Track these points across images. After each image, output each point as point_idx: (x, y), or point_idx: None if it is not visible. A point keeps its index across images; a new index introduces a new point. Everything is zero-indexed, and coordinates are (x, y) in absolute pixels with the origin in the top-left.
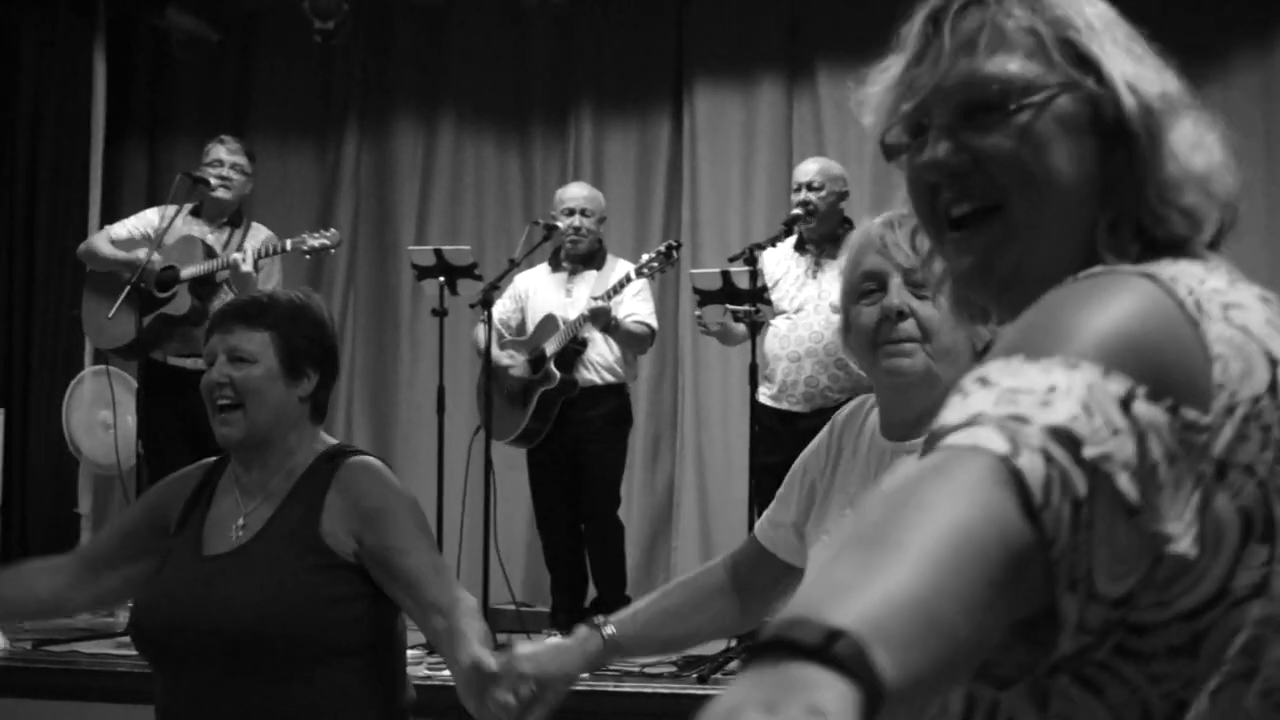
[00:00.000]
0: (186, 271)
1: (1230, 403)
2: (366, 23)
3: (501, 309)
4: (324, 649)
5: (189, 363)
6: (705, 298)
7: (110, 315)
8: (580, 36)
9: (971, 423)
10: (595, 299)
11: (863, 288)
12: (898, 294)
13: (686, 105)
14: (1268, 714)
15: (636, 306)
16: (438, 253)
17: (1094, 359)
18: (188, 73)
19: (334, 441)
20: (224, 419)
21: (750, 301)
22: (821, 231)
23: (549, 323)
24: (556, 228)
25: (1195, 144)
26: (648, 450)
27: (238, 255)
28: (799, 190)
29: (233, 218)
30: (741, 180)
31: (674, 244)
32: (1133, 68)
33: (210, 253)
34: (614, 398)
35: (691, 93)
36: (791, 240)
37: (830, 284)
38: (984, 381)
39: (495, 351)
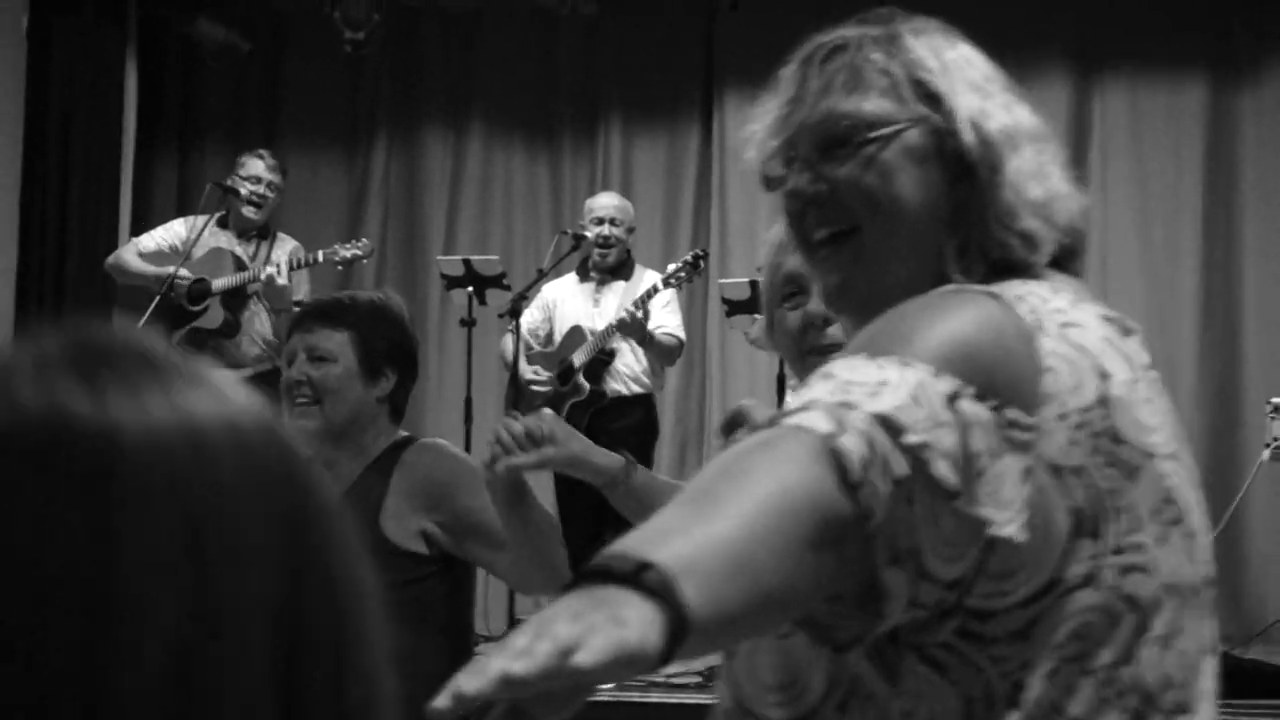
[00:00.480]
0: (218, 284)
1: (1061, 411)
2: (396, 32)
3: (529, 319)
4: None
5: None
6: (734, 307)
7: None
8: (609, 45)
9: (805, 408)
10: (627, 310)
11: (784, 290)
12: (815, 300)
13: (716, 113)
14: (1099, 694)
15: (665, 318)
16: (466, 263)
17: (927, 360)
18: (218, 82)
19: (405, 434)
20: (301, 411)
21: None
22: None
23: (576, 334)
24: (585, 237)
25: (1033, 174)
26: (674, 460)
27: (272, 269)
28: None
29: (260, 229)
30: None
31: (701, 253)
32: (979, 104)
33: (240, 264)
34: (641, 408)
35: (721, 101)
36: None
37: None
38: (826, 375)
39: (521, 366)
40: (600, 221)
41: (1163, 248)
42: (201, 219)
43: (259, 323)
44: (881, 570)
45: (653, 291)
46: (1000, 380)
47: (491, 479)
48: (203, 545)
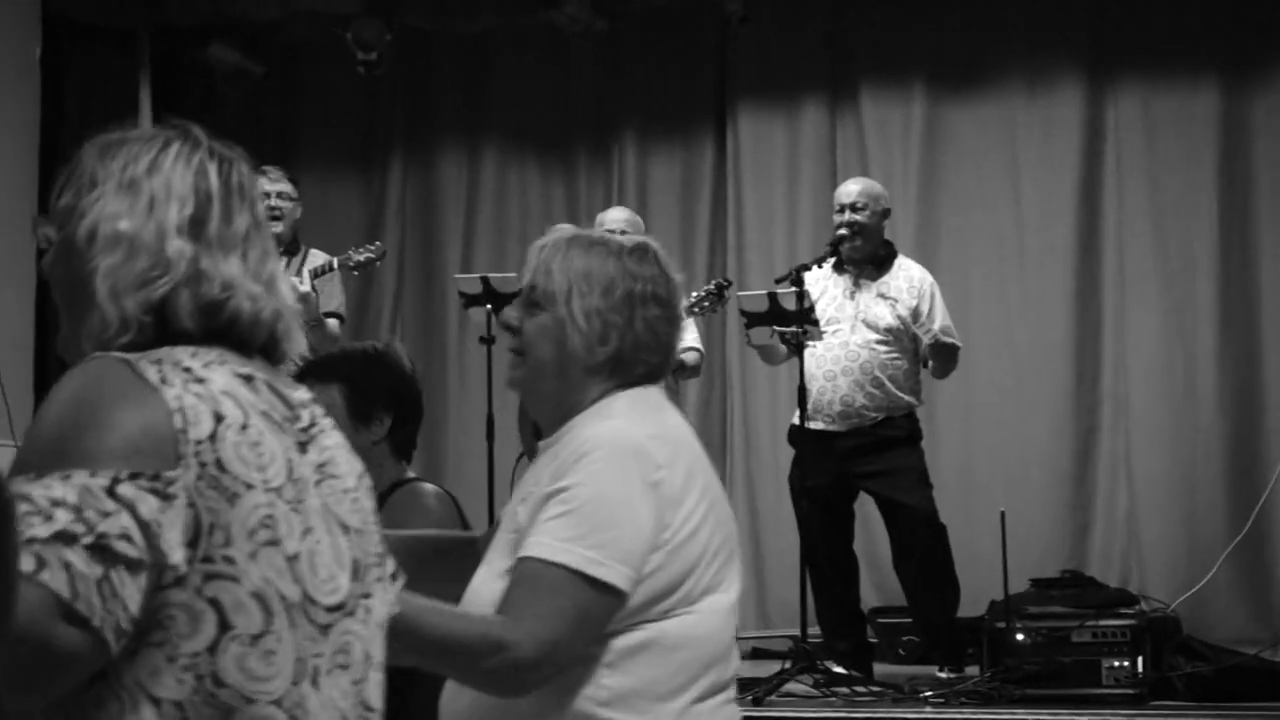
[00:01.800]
0: None
1: (187, 442)
2: (409, 53)
3: None
4: None
5: None
6: (752, 319)
7: None
8: (623, 62)
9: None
10: None
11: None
12: (512, 309)
13: (730, 129)
14: (179, 678)
15: (683, 334)
16: (484, 280)
17: (82, 464)
18: (233, 107)
19: (410, 475)
20: None
21: (797, 323)
22: (864, 251)
23: None
24: None
25: (109, 271)
26: None
27: (295, 279)
28: (842, 211)
29: (289, 246)
30: (786, 202)
31: (725, 281)
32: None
33: None
34: None
35: (735, 116)
36: (831, 261)
37: (868, 304)
38: (25, 498)
39: None
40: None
41: (1179, 254)
42: None
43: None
44: (116, 653)
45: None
46: (144, 445)
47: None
48: None
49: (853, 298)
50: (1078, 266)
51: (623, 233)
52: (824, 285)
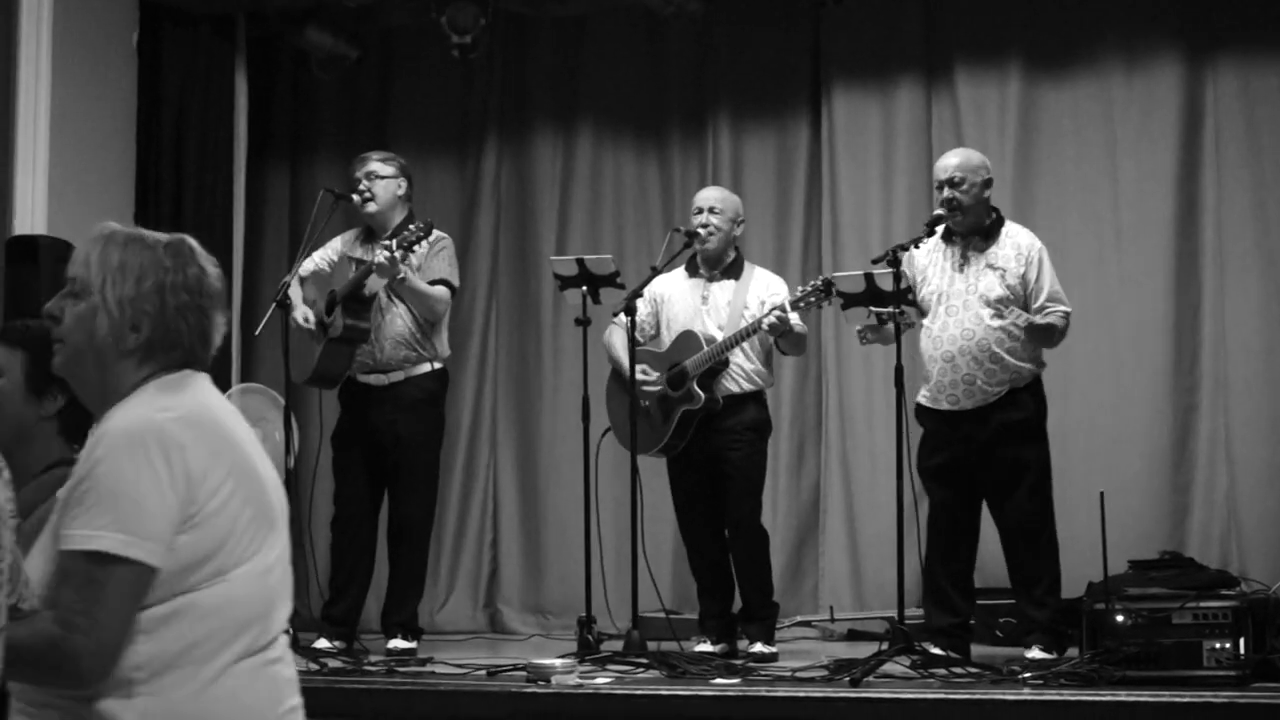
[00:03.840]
0: (340, 291)
1: None
2: (503, 36)
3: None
4: None
5: (372, 379)
6: (848, 300)
7: (257, 333)
8: (716, 43)
9: None
10: (776, 308)
11: None
12: (54, 300)
13: (825, 109)
14: None
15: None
16: (580, 262)
17: None
18: (328, 91)
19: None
20: None
21: (894, 303)
22: (969, 223)
23: (689, 339)
24: (698, 234)
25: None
26: (793, 455)
27: (381, 246)
28: (941, 188)
29: (397, 229)
30: (881, 182)
31: (829, 280)
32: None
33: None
34: (754, 405)
35: (830, 96)
36: (940, 232)
37: (977, 277)
38: None
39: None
40: (699, 210)
41: (1279, 231)
42: (348, 234)
43: (400, 323)
44: None
45: (784, 310)
46: None
47: None
48: None
49: (962, 270)
50: (1176, 246)
51: (711, 208)
52: (934, 258)
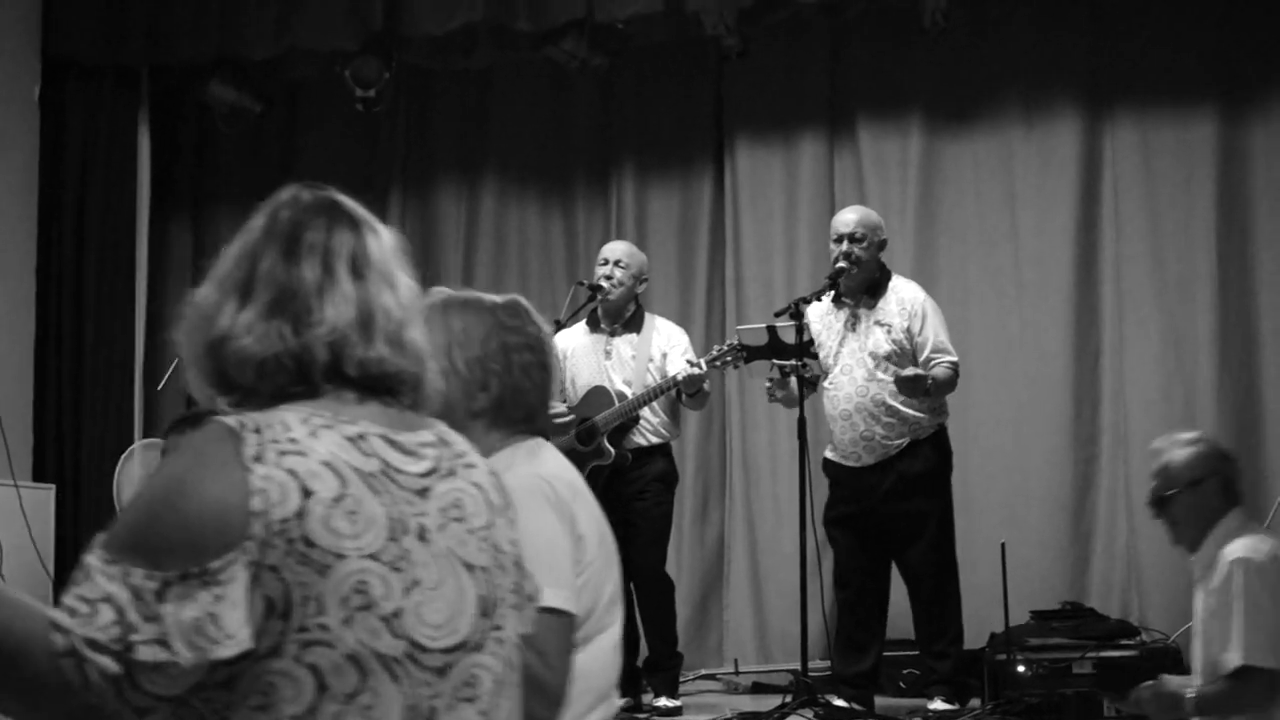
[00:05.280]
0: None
1: (267, 523)
2: (408, 89)
3: None
4: None
5: None
6: (751, 353)
7: (160, 388)
8: (620, 96)
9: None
10: (692, 364)
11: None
12: None
13: (728, 162)
14: None
15: (686, 363)
16: None
17: (139, 560)
18: (231, 145)
19: None
20: None
21: (797, 356)
22: (860, 279)
23: (599, 394)
24: (601, 287)
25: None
26: (697, 506)
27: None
28: (840, 241)
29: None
30: (785, 235)
31: (740, 346)
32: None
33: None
34: (661, 457)
35: (733, 149)
36: (830, 295)
37: (867, 333)
38: (84, 570)
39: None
40: (605, 262)
41: (1177, 284)
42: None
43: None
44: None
45: (700, 368)
46: (197, 545)
47: None
48: None
49: (854, 329)
50: (1075, 298)
51: (616, 261)
52: (827, 320)
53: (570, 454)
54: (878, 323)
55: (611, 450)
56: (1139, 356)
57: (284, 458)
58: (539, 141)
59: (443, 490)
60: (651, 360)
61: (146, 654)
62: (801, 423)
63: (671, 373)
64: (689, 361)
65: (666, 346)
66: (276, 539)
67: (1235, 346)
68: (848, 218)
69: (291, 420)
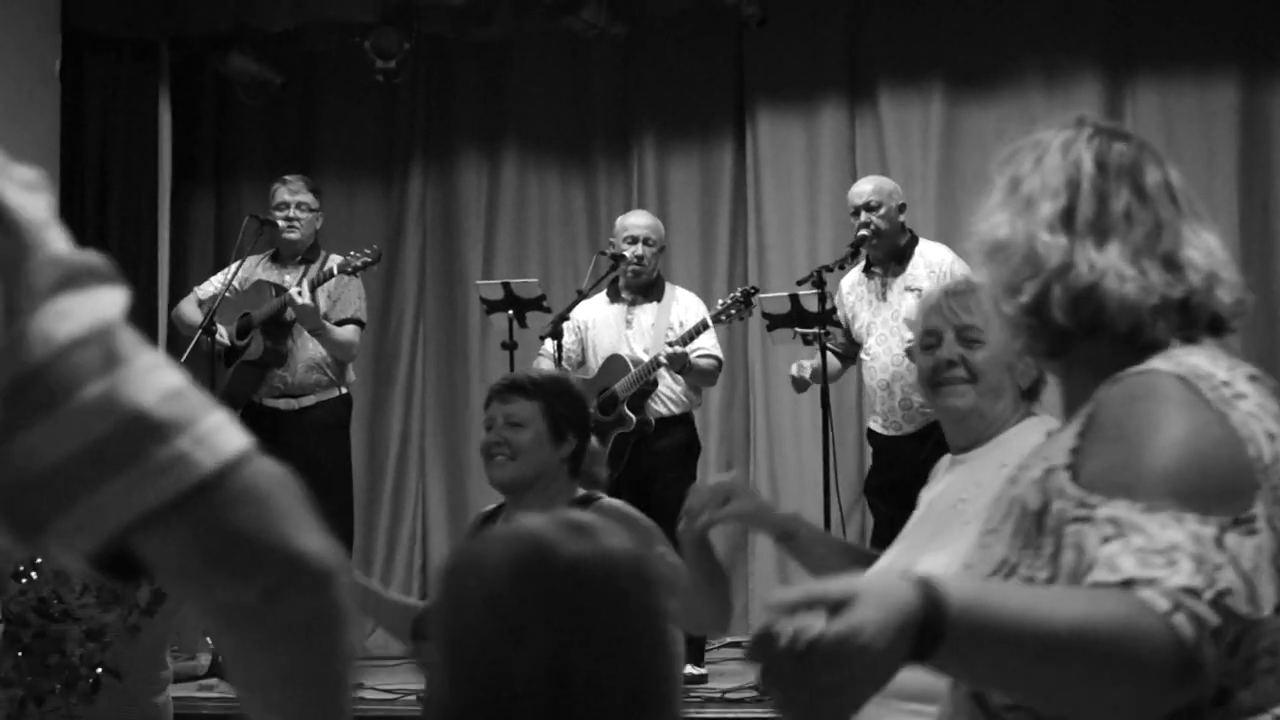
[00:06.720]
0: (257, 314)
1: (1263, 469)
2: (427, 60)
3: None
4: None
5: (281, 403)
6: (774, 321)
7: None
8: (640, 65)
9: (1129, 585)
10: (671, 344)
11: (925, 341)
12: (949, 348)
13: (749, 130)
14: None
15: (702, 340)
16: (506, 286)
17: (1185, 506)
18: (252, 117)
19: (584, 492)
20: (497, 463)
21: (819, 324)
22: (885, 249)
23: (616, 363)
24: (623, 257)
25: (991, 282)
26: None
27: (294, 290)
28: (857, 213)
29: (306, 255)
30: (806, 203)
31: (751, 289)
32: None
33: (280, 293)
34: (682, 427)
35: (754, 117)
36: (860, 264)
37: (898, 300)
38: (1116, 525)
39: None
40: (633, 241)
41: None
42: (252, 258)
43: (313, 346)
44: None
45: (702, 327)
46: (1237, 486)
47: (684, 532)
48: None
49: (885, 299)
50: None
51: (645, 240)
52: (859, 291)
53: (598, 425)
54: (908, 288)
55: (633, 417)
56: None
57: (1236, 400)
58: (559, 111)
59: None
60: (671, 329)
61: (1234, 604)
62: (825, 391)
63: (690, 347)
64: (668, 343)
65: (684, 316)
66: (1266, 491)
67: (1259, 314)
68: (861, 189)
69: (1201, 360)
